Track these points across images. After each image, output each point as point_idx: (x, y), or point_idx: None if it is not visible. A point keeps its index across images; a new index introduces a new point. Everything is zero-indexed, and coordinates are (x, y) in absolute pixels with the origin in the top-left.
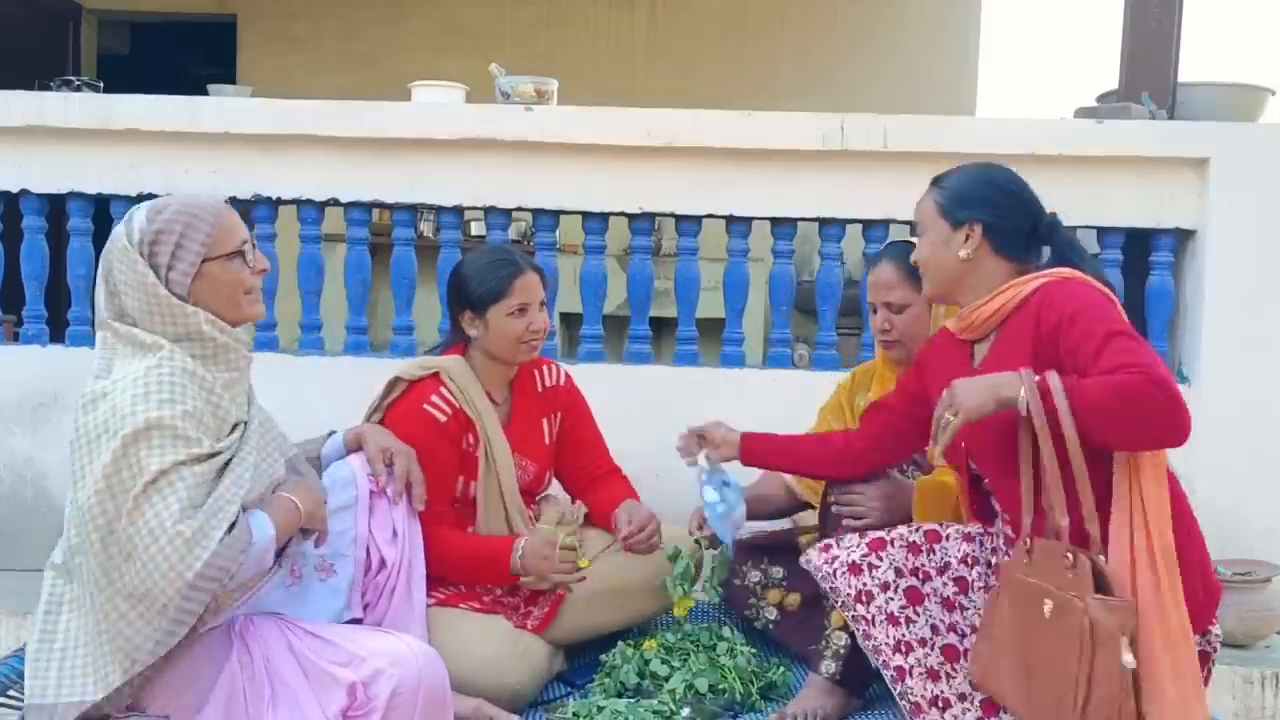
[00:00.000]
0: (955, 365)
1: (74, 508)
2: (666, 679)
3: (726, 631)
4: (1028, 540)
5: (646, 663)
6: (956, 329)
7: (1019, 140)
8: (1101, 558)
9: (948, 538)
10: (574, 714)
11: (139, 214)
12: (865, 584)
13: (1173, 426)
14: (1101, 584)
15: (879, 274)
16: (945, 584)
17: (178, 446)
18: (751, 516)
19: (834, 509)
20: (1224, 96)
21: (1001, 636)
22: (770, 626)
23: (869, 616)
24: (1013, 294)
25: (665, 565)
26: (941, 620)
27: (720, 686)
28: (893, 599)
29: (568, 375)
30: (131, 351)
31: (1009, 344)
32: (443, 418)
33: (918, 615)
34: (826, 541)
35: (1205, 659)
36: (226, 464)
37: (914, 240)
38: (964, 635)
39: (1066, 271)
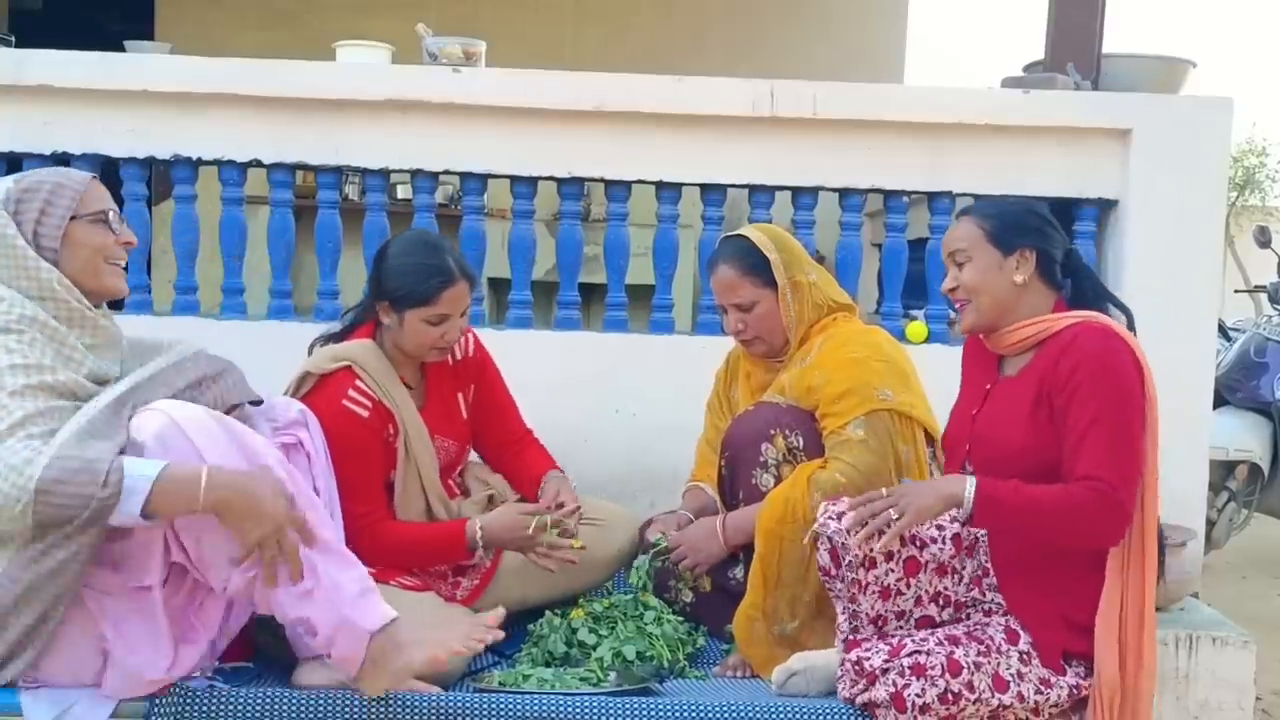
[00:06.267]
0: (986, 370)
1: None
2: (594, 648)
3: (654, 600)
4: None
5: (574, 631)
6: (988, 341)
7: (946, 109)
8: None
9: None
10: (500, 683)
11: (4, 180)
12: (871, 550)
13: (1105, 539)
14: None
15: (720, 277)
16: (943, 547)
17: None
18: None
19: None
20: (1147, 68)
21: None
22: (688, 608)
23: (863, 583)
24: (1045, 327)
25: (595, 542)
26: (927, 590)
27: (648, 654)
28: (893, 570)
29: (476, 341)
30: None
31: (1030, 374)
32: (364, 413)
33: (908, 588)
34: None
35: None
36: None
37: (746, 234)
38: (944, 606)
39: (1100, 317)
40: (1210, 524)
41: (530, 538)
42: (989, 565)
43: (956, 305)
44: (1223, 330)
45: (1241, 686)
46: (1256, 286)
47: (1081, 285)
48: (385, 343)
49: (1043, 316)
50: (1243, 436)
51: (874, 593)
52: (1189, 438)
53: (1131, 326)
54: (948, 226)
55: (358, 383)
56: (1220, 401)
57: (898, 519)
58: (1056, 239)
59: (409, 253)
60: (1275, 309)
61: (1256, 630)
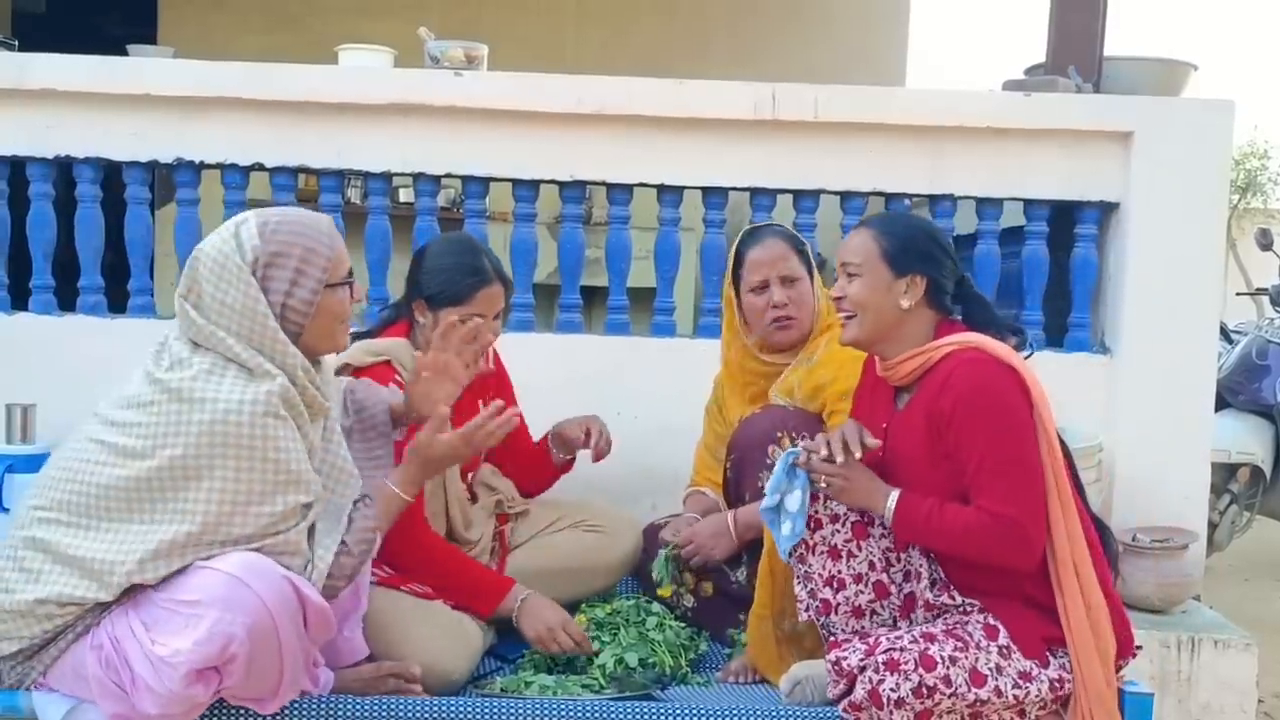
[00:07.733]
0: (882, 406)
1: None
2: (597, 654)
3: (655, 606)
4: None
5: None
6: (880, 373)
7: (947, 112)
8: None
9: None
10: (503, 689)
11: (248, 227)
12: (816, 511)
13: (1015, 565)
14: None
15: (769, 247)
16: (883, 535)
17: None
18: None
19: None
20: (1148, 71)
21: None
22: (689, 613)
23: (810, 543)
24: (926, 358)
25: (599, 548)
26: (879, 559)
27: (650, 660)
28: (839, 531)
29: (496, 357)
30: (237, 370)
31: (917, 407)
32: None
33: (859, 550)
34: None
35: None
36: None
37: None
38: (896, 581)
39: (975, 340)
40: (1212, 526)
41: (558, 641)
42: (945, 578)
43: (840, 315)
44: (1224, 333)
45: (1243, 689)
46: (1258, 289)
47: (972, 312)
48: (419, 342)
49: (923, 346)
50: (1244, 439)
51: (823, 552)
52: (1190, 440)
53: (1022, 347)
54: (950, 229)
55: (396, 377)
56: (1222, 404)
57: (836, 485)
58: (949, 267)
59: (447, 253)
60: (1277, 311)
61: (1258, 632)
